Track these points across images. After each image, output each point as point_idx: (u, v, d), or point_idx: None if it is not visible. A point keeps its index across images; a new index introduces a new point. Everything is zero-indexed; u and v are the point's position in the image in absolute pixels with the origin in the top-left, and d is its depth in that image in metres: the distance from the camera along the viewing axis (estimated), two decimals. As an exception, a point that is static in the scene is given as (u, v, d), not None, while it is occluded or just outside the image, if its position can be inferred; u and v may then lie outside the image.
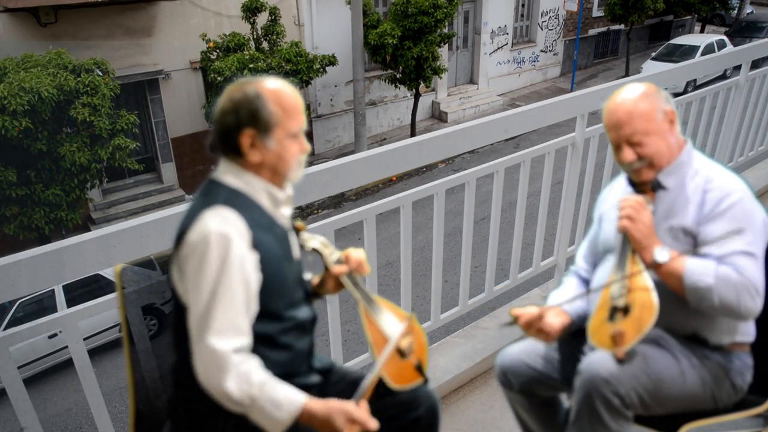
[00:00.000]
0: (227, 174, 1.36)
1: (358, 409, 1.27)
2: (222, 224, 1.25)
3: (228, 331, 1.24)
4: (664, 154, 1.58)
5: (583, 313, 1.74)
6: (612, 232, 1.67)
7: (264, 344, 1.33)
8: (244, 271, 1.26)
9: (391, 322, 1.52)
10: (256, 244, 1.30)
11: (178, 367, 1.39)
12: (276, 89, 1.35)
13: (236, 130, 1.32)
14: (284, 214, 1.42)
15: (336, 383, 1.57)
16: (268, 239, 1.34)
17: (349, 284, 1.52)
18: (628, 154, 1.57)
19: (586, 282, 1.84)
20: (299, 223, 1.53)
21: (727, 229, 1.48)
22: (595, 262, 1.83)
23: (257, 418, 1.26)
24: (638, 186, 1.64)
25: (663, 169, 1.59)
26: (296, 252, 1.47)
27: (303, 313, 1.44)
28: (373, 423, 1.27)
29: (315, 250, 1.54)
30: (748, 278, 1.42)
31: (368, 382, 1.34)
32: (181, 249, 1.28)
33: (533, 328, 1.61)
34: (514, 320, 1.62)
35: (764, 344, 1.64)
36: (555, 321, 1.63)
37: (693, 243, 1.54)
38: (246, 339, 1.27)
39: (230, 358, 1.23)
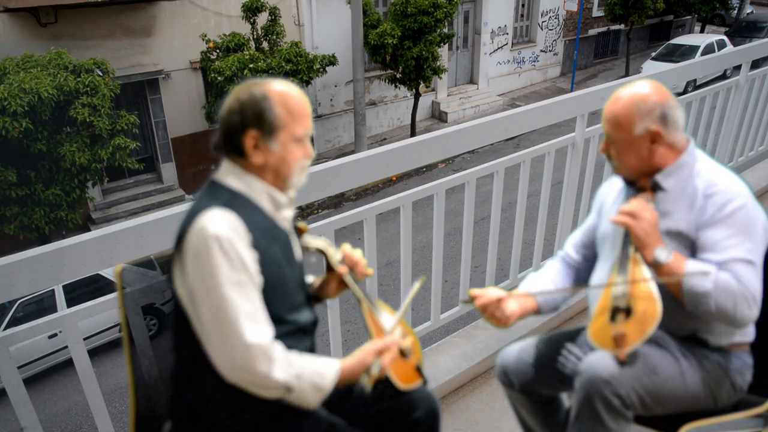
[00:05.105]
0: (228, 175, 1.35)
1: (383, 340, 1.39)
2: (221, 227, 1.25)
3: (259, 323, 1.25)
4: (630, 167, 1.59)
5: (554, 304, 1.75)
6: (612, 228, 1.66)
7: None
8: (248, 269, 1.26)
9: (391, 322, 1.53)
10: (256, 247, 1.29)
11: (179, 368, 1.39)
12: (284, 92, 1.34)
13: (241, 130, 1.31)
14: (285, 216, 1.41)
15: None
16: (269, 242, 1.33)
17: (352, 283, 1.52)
18: (601, 146, 1.65)
19: (570, 269, 1.84)
20: (302, 224, 1.52)
21: (728, 235, 1.46)
22: (585, 252, 1.83)
23: (299, 396, 1.28)
24: (637, 184, 1.63)
25: (662, 170, 1.58)
26: (298, 255, 1.46)
27: (304, 316, 1.44)
28: (397, 339, 1.42)
29: (319, 251, 1.54)
30: (747, 287, 1.41)
31: (398, 318, 1.49)
32: (182, 252, 1.28)
33: (488, 312, 1.63)
34: (471, 300, 1.63)
35: (764, 344, 1.64)
36: (513, 308, 1.63)
37: (690, 247, 1.53)
38: (271, 326, 1.29)
39: (274, 347, 1.25)
